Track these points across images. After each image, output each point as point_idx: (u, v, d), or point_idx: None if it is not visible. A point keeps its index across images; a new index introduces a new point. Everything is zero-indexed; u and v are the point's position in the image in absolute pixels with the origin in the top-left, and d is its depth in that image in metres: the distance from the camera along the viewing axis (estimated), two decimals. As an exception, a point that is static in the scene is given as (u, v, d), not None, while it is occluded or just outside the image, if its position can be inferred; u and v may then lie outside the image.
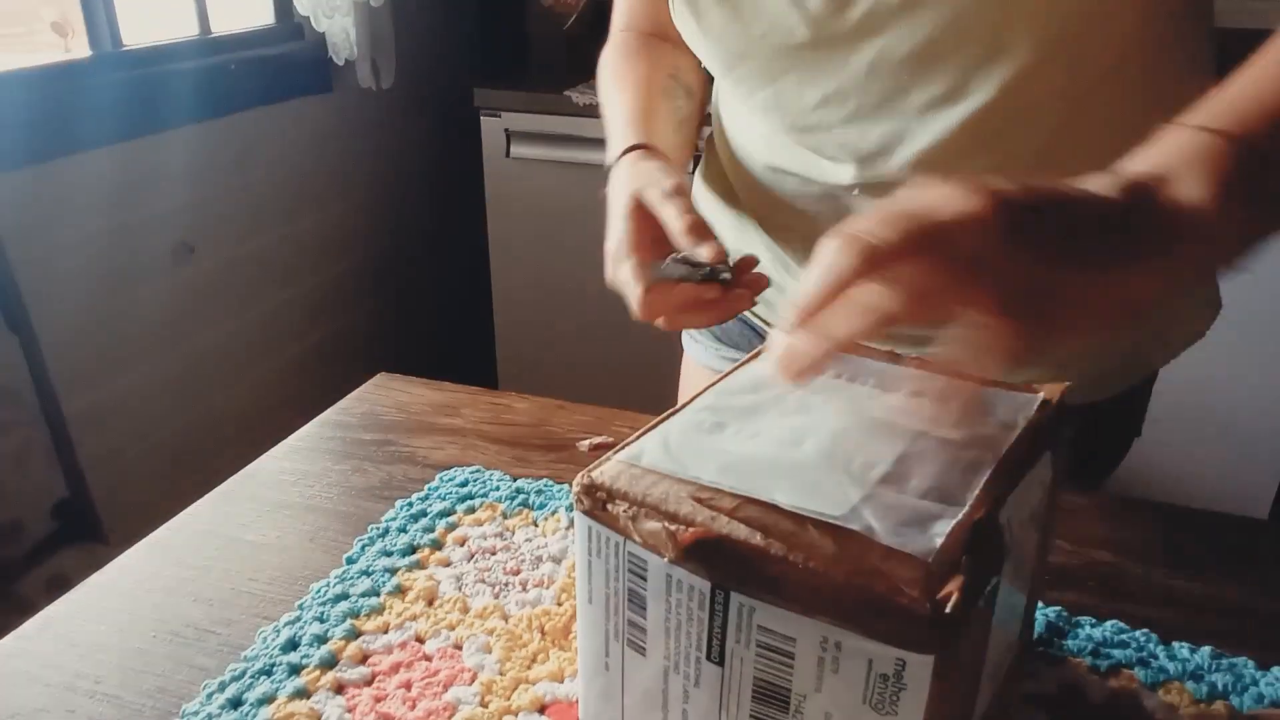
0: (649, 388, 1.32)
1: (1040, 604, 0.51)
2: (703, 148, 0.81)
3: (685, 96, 0.74)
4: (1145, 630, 0.49)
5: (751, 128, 0.70)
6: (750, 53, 0.61)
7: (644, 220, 0.57)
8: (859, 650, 0.30)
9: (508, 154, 2.10)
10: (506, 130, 2.07)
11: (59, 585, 0.67)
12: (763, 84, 0.63)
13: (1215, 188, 0.39)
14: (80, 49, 1.56)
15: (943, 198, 0.36)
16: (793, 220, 0.68)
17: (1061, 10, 0.53)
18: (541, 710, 0.45)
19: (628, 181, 0.60)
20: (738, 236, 0.75)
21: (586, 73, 1.39)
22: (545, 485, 0.63)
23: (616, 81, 0.73)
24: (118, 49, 1.59)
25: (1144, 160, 0.41)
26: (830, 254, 0.36)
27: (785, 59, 0.60)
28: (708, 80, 0.75)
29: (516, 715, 0.44)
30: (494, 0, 2.31)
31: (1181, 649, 0.48)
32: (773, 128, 0.66)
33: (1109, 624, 0.49)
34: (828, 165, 0.64)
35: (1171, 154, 0.41)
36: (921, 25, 0.54)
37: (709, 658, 0.34)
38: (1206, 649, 0.48)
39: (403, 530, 0.58)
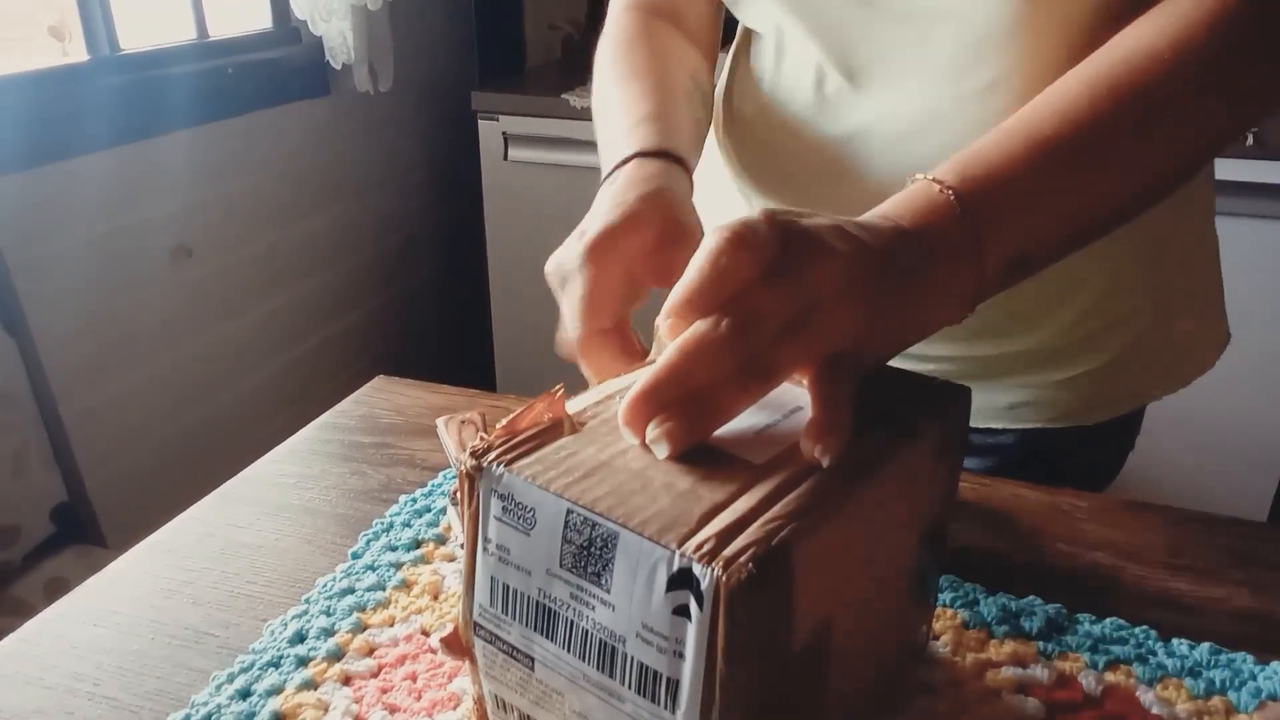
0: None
1: (1040, 600, 0.51)
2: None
3: (704, 106, 0.63)
4: (1145, 628, 0.49)
5: (794, 98, 0.65)
6: (823, 7, 0.58)
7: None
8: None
9: (505, 157, 2.10)
10: (504, 133, 2.07)
11: (57, 588, 0.66)
12: (819, 31, 0.59)
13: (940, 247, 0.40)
14: (78, 53, 1.57)
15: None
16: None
17: None
18: (541, 706, 0.45)
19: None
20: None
21: (584, 76, 1.39)
22: (544, 486, 0.63)
23: (625, 71, 0.61)
24: (115, 53, 1.59)
25: (881, 213, 0.41)
26: (712, 243, 0.35)
27: (852, 9, 0.58)
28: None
29: (519, 708, 0.45)
30: (491, 3, 2.31)
31: (1180, 645, 0.48)
32: (812, 90, 0.63)
33: (1108, 621, 0.49)
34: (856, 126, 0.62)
35: (904, 208, 0.41)
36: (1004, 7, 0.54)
37: None
38: (1206, 645, 0.48)
39: (407, 525, 0.59)
